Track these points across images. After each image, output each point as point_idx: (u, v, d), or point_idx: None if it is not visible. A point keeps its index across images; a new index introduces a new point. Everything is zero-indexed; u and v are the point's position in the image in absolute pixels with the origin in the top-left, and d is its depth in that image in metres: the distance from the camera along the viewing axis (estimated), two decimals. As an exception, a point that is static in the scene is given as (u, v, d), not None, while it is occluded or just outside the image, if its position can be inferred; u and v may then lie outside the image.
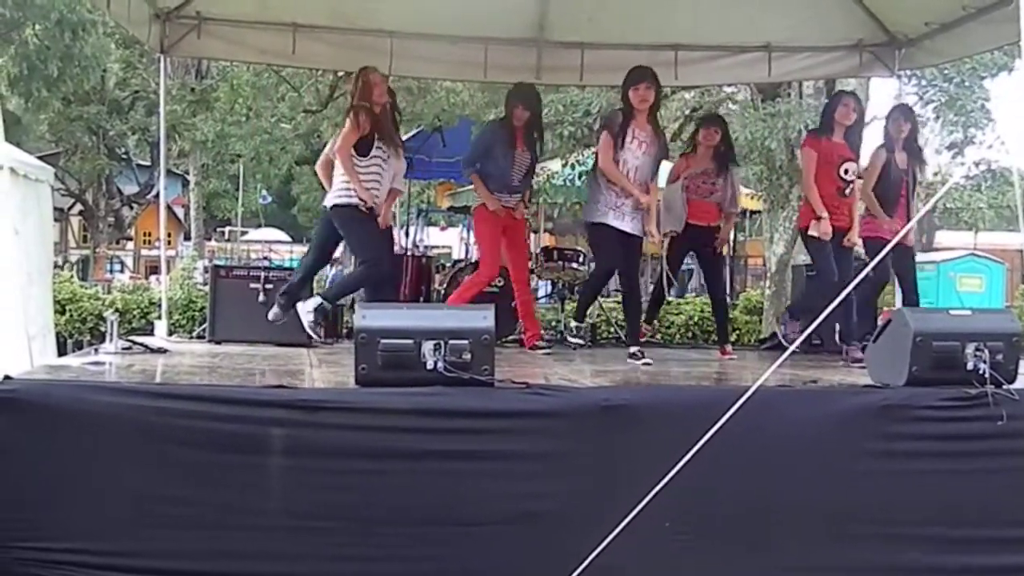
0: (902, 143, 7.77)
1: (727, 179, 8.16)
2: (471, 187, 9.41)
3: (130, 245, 35.32)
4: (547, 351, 7.62)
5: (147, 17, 8.51)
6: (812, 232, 7.23)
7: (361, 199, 6.91)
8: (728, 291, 8.72)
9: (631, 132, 7.14)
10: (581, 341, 8.28)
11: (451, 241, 22.92)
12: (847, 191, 7.32)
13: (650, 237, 7.38)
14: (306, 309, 7.01)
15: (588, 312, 9.63)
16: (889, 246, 5.39)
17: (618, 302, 8.59)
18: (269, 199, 29.36)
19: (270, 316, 7.23)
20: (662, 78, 10.12)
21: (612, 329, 10.23)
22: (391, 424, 4.61)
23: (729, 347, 8.11)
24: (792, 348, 4.82)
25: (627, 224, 7.14)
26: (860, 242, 7.39)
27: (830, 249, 7.27)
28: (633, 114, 7.19)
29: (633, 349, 7.14)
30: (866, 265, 7.64)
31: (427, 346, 4.70)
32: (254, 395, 4.73)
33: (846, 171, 7.30)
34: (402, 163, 7.46)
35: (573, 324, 7.23)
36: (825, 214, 7.17)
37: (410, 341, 4.71)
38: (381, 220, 7.09)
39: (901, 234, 6.02)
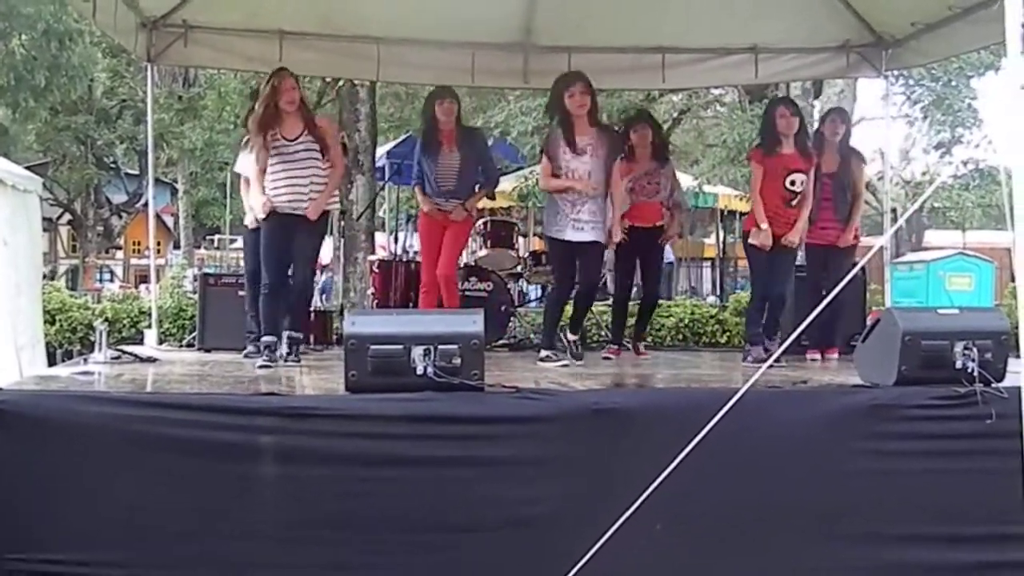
0: (836, 145, 7.84)
1: (667, 175, 8.19)
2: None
3: (119, 254, 35.26)
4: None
5: (134, 26, 8.50)
6: (752, 240, 7.22)
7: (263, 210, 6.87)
8: (719, 293, 8.72)
9: (570, 143, 7.07)
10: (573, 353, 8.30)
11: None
12: (794, 202, 7.25)
13: (612, 240, 7.38)
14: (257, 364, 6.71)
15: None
16: (871, 252, 5.40)
17: (608, 305, 8.58)
18: (258, 207, 29.26)
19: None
20: (650, 81, 10.24)
21: (603, 332, 10.23)
22: (382, 430, 4.61)
23: (643, 346, 8.23)
24: (781, 350, 4.84)
25: (587, 234, 7.09)
26: (796, 242, 7.35)
27: (765, 259, 7.30)
28: (572, 121, 7.10)
29: (572, 337, 7.40)
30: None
31: (417, 351, 4.69)
32: (244, 403, 4.73)
33: (793, 182, 7.23)
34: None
35: (544, 353, 7.16)
36: (765, 225, 7.18)
37: (400, 347, 4.71)
38: (309, 212, 6.88)
39: (885, 237, 6.01)
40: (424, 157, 7.95)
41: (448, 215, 7.93)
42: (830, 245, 7.74)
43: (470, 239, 9.03)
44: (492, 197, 9.08)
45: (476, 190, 8.15)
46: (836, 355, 7.71)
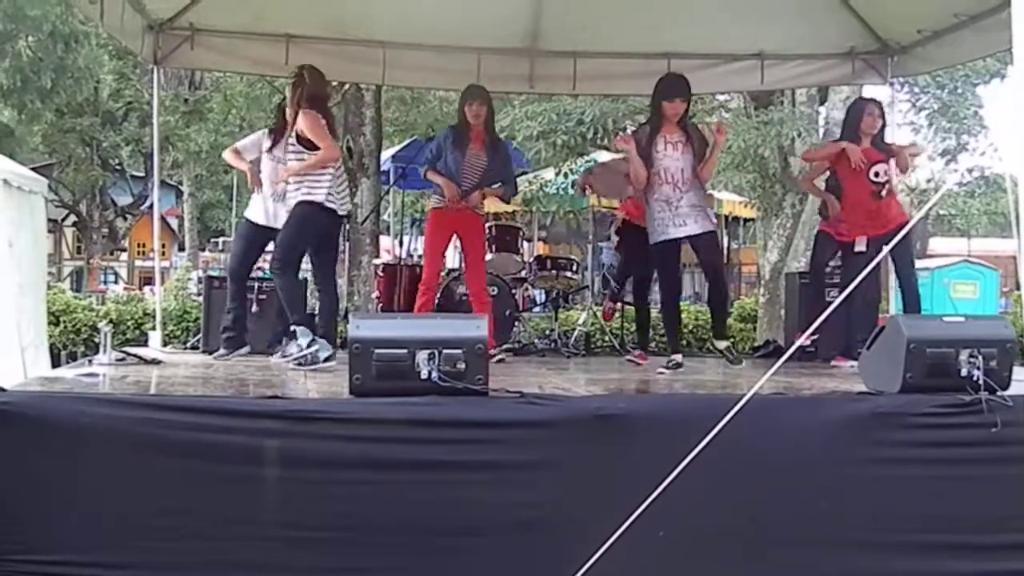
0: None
1: None
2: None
3: (124, 256, 35.31)
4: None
5: (140, 29, 8.50)
6: (859, 248, 7.22)
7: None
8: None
9: (662, 139, 7.11)
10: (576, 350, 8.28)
11: (445, 250, 22.93)
12: (882, 193, 7.29)
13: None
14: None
15: (583, 321, 9.66)
16: (877, 259, 5.40)
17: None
18: (263, 209, 29.30)
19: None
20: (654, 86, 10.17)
21: (606, 338, 10.24)
22: (385, 434, 4.60)
23: (640, 351, 8.05)
24: (786, 356, 4.83)
25: (691, 227, 7.06)
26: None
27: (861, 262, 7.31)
28: (663, 123, 7.17)
29: (723, 345, 7.28)
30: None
31: (421, 356, 4.69)
32: (248, 406, 4.73)
33: (877, 174, 7.28)
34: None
35: (675, 358, 7.13)
36: (836, 204, 7.35)
37: (404, 351, 4.70)
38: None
39: (891, 245, 5.99)
40: (453, 150, 7.84)
41: (465, 211, 7.89)
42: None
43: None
44: (506, 201, 9.05)
45: (494, 187, 8.09)
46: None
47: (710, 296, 7.61)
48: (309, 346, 6.65)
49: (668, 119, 7.15)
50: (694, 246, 7.16)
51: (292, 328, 6.81)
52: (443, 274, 8.68)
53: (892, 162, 7.34)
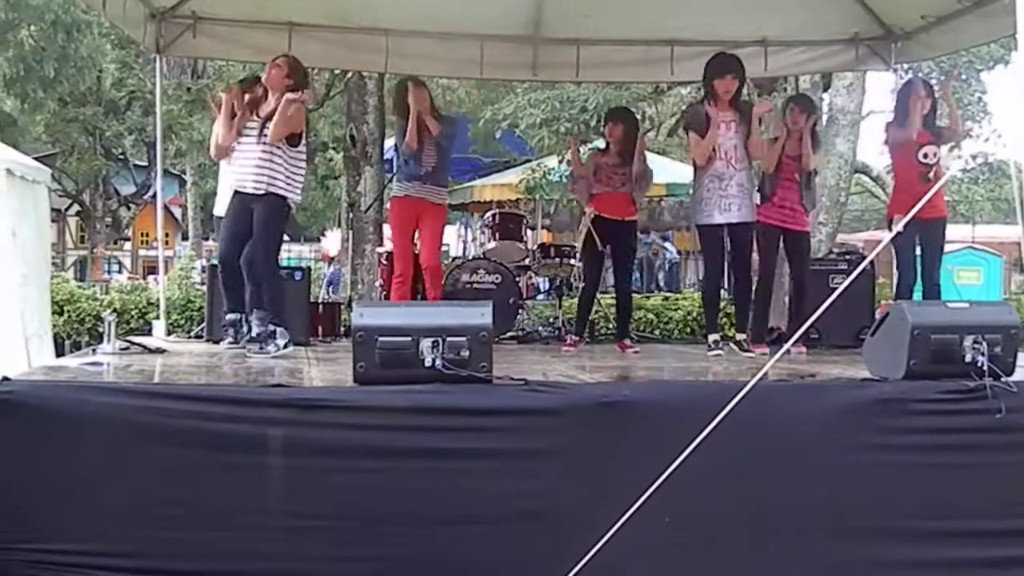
0: (799, 132, 7.76)
1: (636, 173, 8.00)
2: (468, 184, 9.35)
3: (128, 245, 35.31)
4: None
5: (142, 17, 8.50)
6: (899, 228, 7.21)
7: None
8: (727, 285, 8.64)
9: (716, 117, 7.15)
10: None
11: (448, 239, 22.93)
12: (930, 175, 7.30)
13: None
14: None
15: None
16: (880, 245, 5.39)
17: (615, 298, 8.54)
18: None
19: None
20: (658, 74, 10.19)
21: (611, 325, 10.23)
22: (390, 422, 4.60)
23: (629, 341, 8.06)
24: (791, 343, 4.83)
25: (735, 214, 7.12)
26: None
27: (912, 246, 7.39)
28: (715, 102, 7.22)
29: (740, 336, 7.28)
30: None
31: (425, 343, 4.69)
32: (252, 395, 4.73)
33: (925, 155, 7.32)
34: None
35: (714, 338, 7.23)
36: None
37: (408, 339, 4.70)
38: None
39: (894, 231, 5.97)
40: (402, 143, 7.97)
41: (424, 200, 7.97)
42: (801, 231, 7.75)
43: (479, 231, 9.02)
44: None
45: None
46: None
47: (735, 289, 7.61)
48: (285, 347, 6.70)
49: (720, 97, 7.22)
50: (731, 234, 7.24)
51: (273, 329, 6.77)
52: (447, 262, 8.66)
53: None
